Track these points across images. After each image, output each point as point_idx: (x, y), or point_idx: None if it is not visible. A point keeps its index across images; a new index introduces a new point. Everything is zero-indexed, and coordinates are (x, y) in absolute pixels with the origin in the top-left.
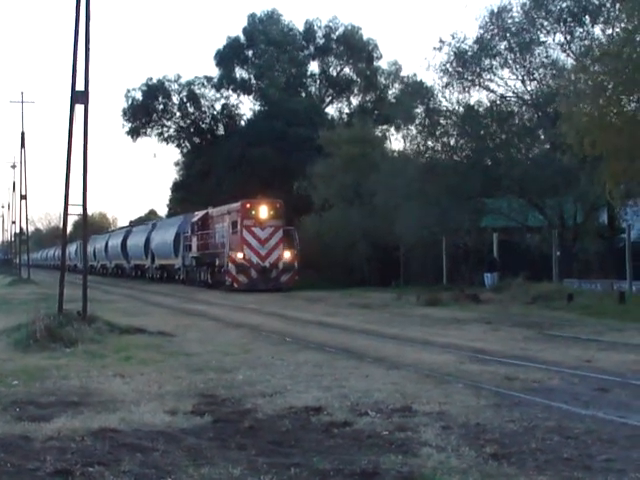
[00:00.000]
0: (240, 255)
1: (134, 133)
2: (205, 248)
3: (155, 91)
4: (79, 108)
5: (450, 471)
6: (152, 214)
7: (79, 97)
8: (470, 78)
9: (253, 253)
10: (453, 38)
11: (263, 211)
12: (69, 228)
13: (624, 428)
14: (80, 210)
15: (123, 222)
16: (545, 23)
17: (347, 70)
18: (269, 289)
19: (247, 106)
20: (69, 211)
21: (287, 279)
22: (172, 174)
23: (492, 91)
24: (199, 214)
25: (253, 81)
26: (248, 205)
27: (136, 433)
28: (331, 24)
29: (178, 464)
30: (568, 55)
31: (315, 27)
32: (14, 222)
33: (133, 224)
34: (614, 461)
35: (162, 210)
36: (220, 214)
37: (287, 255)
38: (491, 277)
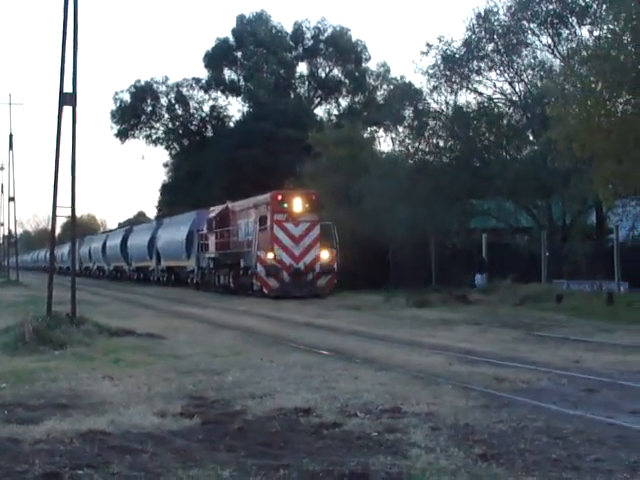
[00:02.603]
0: (270, 255)
1: (122, 135)
2: (225, 247)
3: (143, 93)
4: (67, 110)
5: (439, 472)
6: (141, 216)
7: (67, 99)
8: (458, 80)
9: (285, 253)
10: (440, 41)
11: (297, 204)
12: (58, 230)
13: (612, 428)
14: (69, 212)
15: (112, 224)
16: (532, 25)
17: (336, 71)
18: (304, 295)
19: (236, 107)
20: (58, 213)
21: (325, 284)
22: (161, 176)
23: (480, 93)
24: (216, 209)
25: (242, 82)
26: (280, 197)
27: (125, 435)
28: (320, 25)
29: (167, 466)
30: (555, 56)
31: (304, 28)
32: (2, 224)
33: (122, 226)
34: (602, 461)
35: (151, 212)
36: (244, 208)
37: (325, 255)
38: (480, 278)
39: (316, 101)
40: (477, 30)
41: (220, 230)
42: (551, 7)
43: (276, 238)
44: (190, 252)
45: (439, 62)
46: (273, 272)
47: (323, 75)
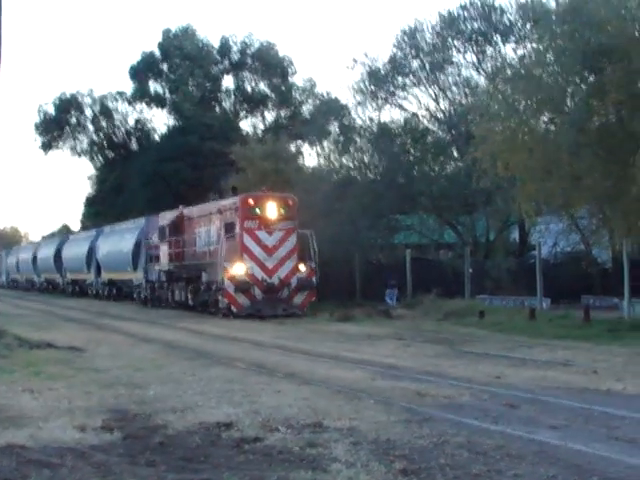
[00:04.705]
0: (239, 268)
1: (47, 147)
2: (182, 259)
3: (68, 105)
4: None
5: None
6: (65, 228)
7: None
8: (383, 96)
9: (257, 265)
10: (366, 57)
11: (271, 209)
12: None
13: (532, 444)
14: None
15: (35, 237)
16: (456, 42)
17: (262, 86)
18: (278, 315)
19: (161, 121)
20: None
21: (302, 301)
22: (86, 188)
23: (405, 109)
24: (169, 215)
25: (167, 95)
26: (251, 201)
27: (44, 449)
28: (246, 40)
29: None
30: (480, 74)
31: (230, 42)
32: None
33: (46, 238)
34: (522, 477)
35: (75, 225)
36: (204, 214)
37: (302, 268)
38: (392, 294)
39: (242, 115)
40: (403, 47)
41: (175, 239)
42: (476, 25)
43: (246, 248)
44: (137, 264)
45: (365, 77)
46: (243, 288)
47: (249, 89)
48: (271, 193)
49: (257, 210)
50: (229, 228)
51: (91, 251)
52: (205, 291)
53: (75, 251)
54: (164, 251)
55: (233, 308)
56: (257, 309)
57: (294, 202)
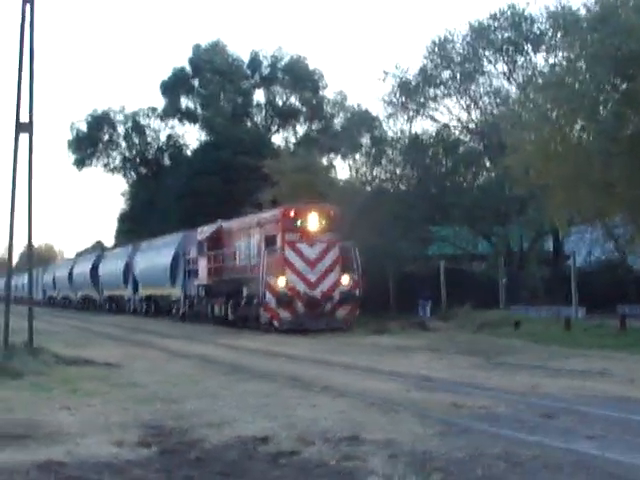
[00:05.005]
0: (281, 282)
1: (80, 164)
2: (222, 273)
3: (100, 122)
4: (23, 138)
5: None
6: (99, 245)
7: (23, 126)
8: (414, 108)
9: (299, 279)
10: (397, 69)
11: (312, 220)
12: (15, 259)
13: (569, 454)
14: (25, 241)
15: (69, 254)
16: (487, 52)
17: (293, 99)
18: (321, 328)
19: (193, 136)
20: (14, 242)
21: (346, 314)
22: (119, 205)
23: (436, 120)
24: (207, 229)
25: (199, 111)
26: (292, 213)
27: (82, 465)
28: (276, 54)
29: None
30: (511, 83)
31: (260, 57)
32: None
33: (80, 255)
34: None
35: (109, 241)
36: (244, 227)
37: (345, 281)
38: (425, 305)
39: (273, 129)
40: (433, 58)
41: (214, 253)
42: (506, 35)
43: (288, 261)
44: (175, 279)
45: (395, 89)
46: (285, 301)
47: (280, 103)
48: (312, 204)
49: (298, 222)
50: (270, 241)
51: (128, 267)
52: (246, 305)
53: (112, 267)
54: (203, 266)
55: (275, 322)
56: (299, 323)
57: (335, 213)
